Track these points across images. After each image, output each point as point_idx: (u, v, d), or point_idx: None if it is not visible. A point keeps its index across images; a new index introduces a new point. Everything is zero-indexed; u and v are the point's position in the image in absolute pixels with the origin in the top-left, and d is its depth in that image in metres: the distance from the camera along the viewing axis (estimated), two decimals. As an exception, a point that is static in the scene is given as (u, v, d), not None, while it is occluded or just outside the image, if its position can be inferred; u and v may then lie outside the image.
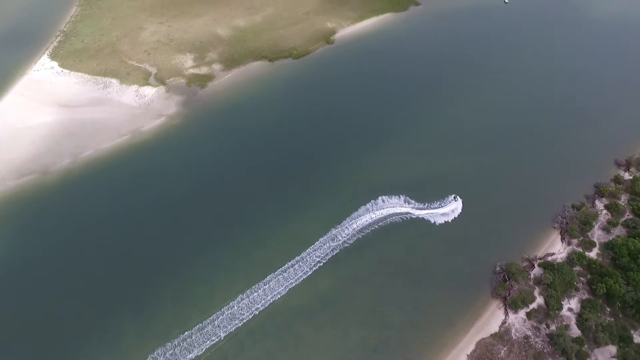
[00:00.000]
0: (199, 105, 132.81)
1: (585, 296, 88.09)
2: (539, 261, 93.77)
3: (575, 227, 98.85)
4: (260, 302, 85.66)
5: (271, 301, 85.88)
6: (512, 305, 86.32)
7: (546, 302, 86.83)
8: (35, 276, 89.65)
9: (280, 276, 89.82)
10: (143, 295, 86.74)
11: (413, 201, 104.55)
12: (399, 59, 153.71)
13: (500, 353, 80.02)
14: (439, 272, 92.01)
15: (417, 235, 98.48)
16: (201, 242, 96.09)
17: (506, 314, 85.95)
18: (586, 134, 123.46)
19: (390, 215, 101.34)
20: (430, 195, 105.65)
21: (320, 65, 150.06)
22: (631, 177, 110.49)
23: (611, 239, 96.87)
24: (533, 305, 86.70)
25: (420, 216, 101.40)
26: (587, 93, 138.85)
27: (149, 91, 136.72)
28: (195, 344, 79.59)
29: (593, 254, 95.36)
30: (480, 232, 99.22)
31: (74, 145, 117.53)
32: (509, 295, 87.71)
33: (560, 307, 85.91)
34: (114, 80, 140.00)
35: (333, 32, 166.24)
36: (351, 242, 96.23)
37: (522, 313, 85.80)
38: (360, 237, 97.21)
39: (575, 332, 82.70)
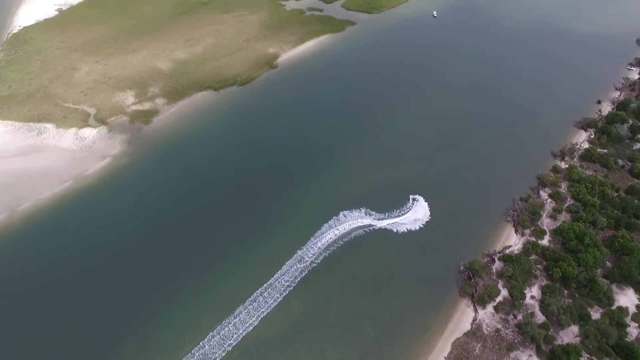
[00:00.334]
0: (146, 142, 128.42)
1: (544, 282, 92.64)
2: (498, 255, 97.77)
3: (526, 218, 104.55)
4: (232, 337, 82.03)
5: (243, 334, 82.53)
6: (479, 301, 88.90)
7: (510, 293, 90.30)
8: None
9: (250, 306, 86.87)
10: (104, 349, 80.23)
11: (374, 212, 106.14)
12: (342, 77, 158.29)
13: (475, 350, 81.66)
14: (407, 279, 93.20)
15: (382, 245, 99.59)
16: (162, 284, 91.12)
17: (475, 310, 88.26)
18: (523, 131, 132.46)
19: (353, 229, 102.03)
20: (389, 203, 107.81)
21: (267, 90, 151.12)
22: (567, 166, 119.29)
23: (558, 225, 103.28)
24: (499, 299, 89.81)
25: (382, 227, 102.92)
26: (518, 93, 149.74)
27: (90, 132, 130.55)
28: (167, 394, 74.50)
29: (545, 241, 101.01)
30: (441, 235, 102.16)
31: (10, 198, 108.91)
32: (475, 292, 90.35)
33: (524, 297, 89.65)
34: (49, 125, 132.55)
35: (276, 56, 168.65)
36: (318, 261, 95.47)
37: (490, 307, 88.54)
38: (327, 254, 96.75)
39: (540, 318, 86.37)
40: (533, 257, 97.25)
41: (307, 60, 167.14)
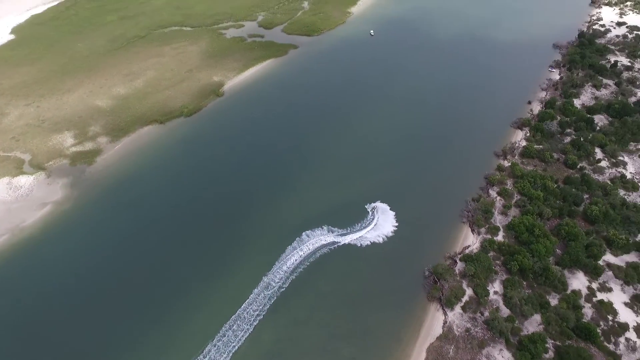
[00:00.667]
0: (90, 184, 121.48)
1: (504, 276, 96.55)
2: (459, 256, 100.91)
3: (480, 217, 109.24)
4: (204, 378, 77.77)
5: (215, 374, 78.50)
6: (447, 303, 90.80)
7: (475, 291, 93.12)
8: None
9: (220, 342, 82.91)
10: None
11: (336, 229, 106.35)
12: (290, 99, 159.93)
13: (450, 353, 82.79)
14: (376, 292, 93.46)
15: (348, 261, 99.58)
16: (115, 334, 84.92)
17: (445, 313, 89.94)
18: (466, 135, 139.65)
19: (317, 248, 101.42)
20: (350, 218, 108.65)
21: (215, 118, 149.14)
22: (509, 164, 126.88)
23: (510, 220, 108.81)
24: (465, 298, 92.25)
25: (347, 242, 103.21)
26: (457, 100, 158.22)
27: (25, 180, 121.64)
28: None
29: (500, 237, 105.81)
30: (402, 243, 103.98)
31: None
32: (442, 295, 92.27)
33: (487, 293, 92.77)
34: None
35: (221, 84, 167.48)
36: (286, 285, 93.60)
37: (458, 308, 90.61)
38: (294, 277, 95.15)
39: (505, 311, 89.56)
40: (491, 253, 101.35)
41: (253, 85, 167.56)
